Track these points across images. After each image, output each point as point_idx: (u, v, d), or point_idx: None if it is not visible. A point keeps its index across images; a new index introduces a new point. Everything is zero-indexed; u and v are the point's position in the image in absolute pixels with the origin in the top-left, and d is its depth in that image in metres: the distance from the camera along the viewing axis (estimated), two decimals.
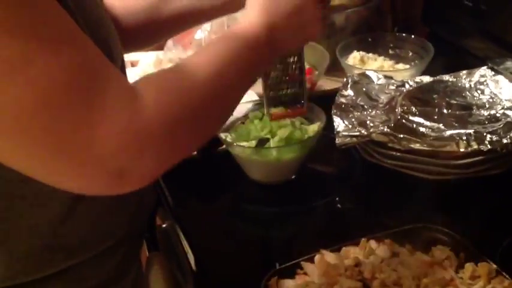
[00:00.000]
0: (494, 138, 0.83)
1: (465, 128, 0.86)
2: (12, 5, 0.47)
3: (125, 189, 0.55)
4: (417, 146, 0.84)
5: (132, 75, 1.21)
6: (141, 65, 1.25)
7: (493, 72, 1.01)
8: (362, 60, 1.17)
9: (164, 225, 0.95)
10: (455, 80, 1.01)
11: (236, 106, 0.68)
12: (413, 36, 1.20)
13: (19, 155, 0.51)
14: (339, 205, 0.88)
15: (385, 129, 0.87)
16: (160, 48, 1.29)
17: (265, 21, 0.68)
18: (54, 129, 0.49)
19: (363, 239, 0.74)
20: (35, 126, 0.49)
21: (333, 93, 1.00)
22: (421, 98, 0.94)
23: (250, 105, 0.97)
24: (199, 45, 1.22)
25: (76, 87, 0.50)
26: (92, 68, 0.52)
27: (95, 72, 0.52)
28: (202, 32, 1.24)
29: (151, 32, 0.88)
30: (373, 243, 0.74)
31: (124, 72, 0.74)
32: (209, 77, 0.60)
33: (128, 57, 1.27)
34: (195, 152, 0.93)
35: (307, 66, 1.14)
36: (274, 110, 0.80)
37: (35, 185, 0.59)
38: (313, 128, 0.92)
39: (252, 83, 0.71)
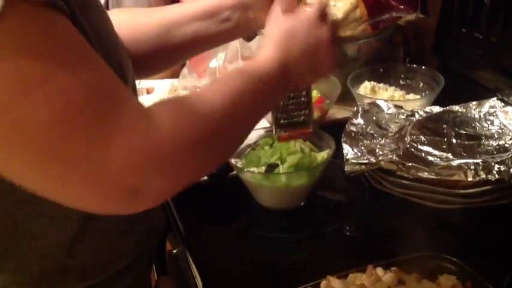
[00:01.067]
0: (503, 168, 0.83)
1: (473, 157, 0.87)
2: (32, 28, 0.49)
3: (137, 208, 0.56)
4: (425, 174, 0.85)
5: (147, 102, 1.23)
6: (156, 92, 1.28)
7: (502, 104, 1.02)
8: (373, 90, 1.19)
9: (174, 251, 0.96)
10: (464, 110, 1.01)
11: (247, 135, 0.70)
12: (424, 67, 1.21)
13: (34, 173, 0.52)
14: (347, 232, 0.88)
15: (394, 158, 0.88)
16: (176, 75, 1.32)
17: (280, 58, 0.70)
18: (69, 147, 0.51)
19: (370, 266, 0.75)
20: (50, 144, 0.50)
21: (344, 122, 1.01)
22: (430, 128, 0.95)
23: (261, 132, 0.99)
24: (214, 73, 1.25)
25: (91, 107, 0.51)
26: (106, 88, 0.54)
27: (109, 93, 0.53)
28: (217, 61, 1.27)
29: (160, 59, 0.90)
30: (379, 271, 0.75)
31: (136, 97, 0.76)
32: (223, 106, 0.62)
33: (143, 84, 1.30)
34: (206, 177, 0.95)
35: (318, 95, 1.16)
36: (282, 132, 0.82)
37: (49, 206, 0.61)
38: (323, 155, 0.93)
39: (264, 114, 0.74)
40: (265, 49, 0.72)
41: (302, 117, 0.84)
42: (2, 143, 0.50)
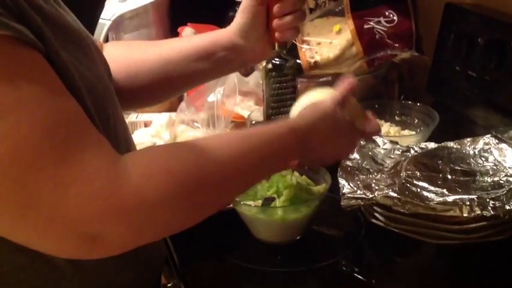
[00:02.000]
0: (497, 204, 0.84)
1: (468, 193, 0.87)
2: None
3: (97, 254, 0.54)
4: (421, 210, 0.85)
5: (145, 135, 1.24)
6: (154, 125, 1.29)
7: (496, 141, 1.03)
8: None
9: (169, 285, 0.95)
10: (459, 147, 1.03)
11: (238, 193, 0.69)
12: (419, 104, 1.23)
13: None
14: (343, 267, 0.88)
15: (390, 193, 0.88)
16: (173, 109, 1.33)
17: (303, 128, 0.69)
18: (22, 186, 0.49)
19: None
20: (4, 181, 0.49)
21: None
22: (425, 163, 0.95)
23: None
24: (212, 107, 1.26)
25: (47, 147, 0.50)
26: (67, 130, 0.51)
27: (70, 135, 0.51)
28: (215, 95, 1.28)
29: (156, 92, 0.90)
30: None
31: (127, 137, 0.74)
32: (211, 161, 0.58)
33: (141, 117, 1.31)
34: None
35: None
36: None
37: None
38: (319, 189, 0.94)
39: (261, 178, 0.75)
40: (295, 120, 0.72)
41: None
42: None
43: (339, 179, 0.94)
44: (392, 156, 1.03)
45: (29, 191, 0.49)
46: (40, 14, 0.55)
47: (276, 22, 0.85)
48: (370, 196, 0.89)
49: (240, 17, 0.87)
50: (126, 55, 0.89)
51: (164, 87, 0.89)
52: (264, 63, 0.91)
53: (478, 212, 0.83)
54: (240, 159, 0.61)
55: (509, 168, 0.95)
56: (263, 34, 0.86)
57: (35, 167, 0.49)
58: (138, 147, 0.80)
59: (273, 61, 0.91)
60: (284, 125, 0.69)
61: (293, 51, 1.25)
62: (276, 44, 0.89)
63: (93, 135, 0.54)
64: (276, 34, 0.87)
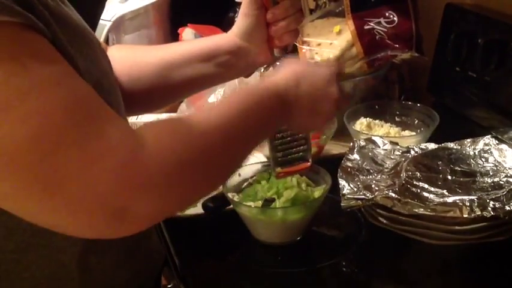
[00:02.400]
0: (498, 205, 0.84)
1: (469, 194, 0.87)
2: (10, 47, 0.49)
3: (124, 231, 0.54)
4: (421, 210, 0.85)
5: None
6: None
7: (497, 141, 1.03)
8: (369, 126, 1.20)
9: (169, 286, 0.95)
10: (459, 147, 1.03)
11: (239, 163, 0.69)
12: (419, 104, 1.23)
13: (16, 195, 0.51)
14: (343, 268, 0.88)
15: (390, 193, 0.88)
16: (174, 110, 1.33)
17: (285, 89, 0.70)
18: (50, 167, 0.49)
19: None
20: (30, 164, 0.49)
21: (340, 157, 1.02)
22: (425, 164, 0.95)
23: (258, 167, 0.99)
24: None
25: (71, 126, 0.50)
26: (88, 108, 0.53)
27: (91, 113, 0.53)
28: (216, 96, 1.28)
29: (158, 96, 0.90)
30: None
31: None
32: (215, 127, 0.61)
33: (141, 118, 1.30)
34: (202, 211, 0.95)
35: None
36: (280, 169, 0.83)
37: (41, 237, 0.60)
38: (319, 190, 0.94)
39: (259, 141, 0.73)
40: (275, 76, 0.73)
41: (300, 153, 0.85)
42: None
43: (339, 179, 0.94)
44: (392, 157, 1.03)
45: (57, 170, 0.49)
46: (47, 9, 0.55)
47: (271, 28, 0.85)
48: (370, 197, 0.89)
49: (242, 20, 0.87)
50: (128, 58, 0.89)
51: (166, 91, 0.89)
52: (262, 69, 0.90)
53: (478, 212, 0.83)
54: (232, 126, 0.63)
55: (509, 168, 0.95)
56: (266, 37, 0.86)
57: (60, 145, 0.50)
58: None
59: (272, 67, 0.91)
60: (273, 94, 0.70)
61: (294, 53, 1.25)
62: (275, 50, 0.89)
63: (109, 110, 0.55)
64: (275, 39, 0.87)
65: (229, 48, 0.87)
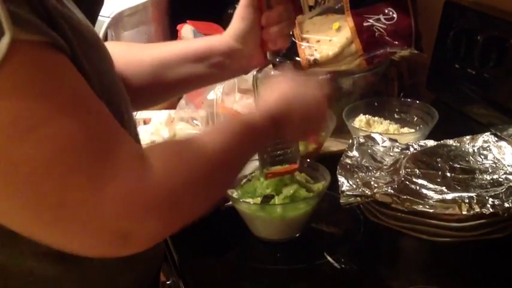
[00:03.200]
0: (496, 202, 0.84)
1: (468, 191, 0.87)
2: (33, 69, 0.49)
3: (128, 251, 0.55)
4: (420, 207, 0.85)
5: (144, 132, 1.24)
6: (153, 122, 1.29)
7: (496, 138, 1.03)
8: (368, 123, 1.20)
9: (168, 282, 0.95)
10: (458, 144, 1.03)
11: (235, 178, 0.75)
12: (418, 101, 1.23)
13: (24, 215, 0.51)
14: (343, 265, 0.88)
15: (389, 190, 0.88)
16: (173, 106, 1.33)
17: (275, 114, 0.73)
18: (63, 190, 0.50)
19: None
20: (44, 186, 0.50)
21: (339, 154, 1.02)
22: (424, 161, 0.95)
23: (256, 163, 0.99)
24: (211, 105, 1.26)
25: (87, 149, 0.51)
26: (104, 132, 0.53)
27: (106, 136, 0.53)
28: (215, 93, 1.28)
29: (153, 94, 0.91)
30: None
31: (136, 134, 0.77)
32: (215, 151, 0.63)
33: (140, 115, 1.31)
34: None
35: None
36: (267, 170, 0.84)
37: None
38: (318, 187, 0.94)
39: (251, 157, 0.78)
40: (268, 102, 0.75)
41: (289, 154, 0.85)
42: None
43: (338, 176, 0.94)
44: (391, 154, 1.03)
45: (68, 193, 0.50)
46: (63, 19, 0.55)
47: (265, 32, 0.86)
48: (369, 194, 0.89)
49: (237, 22, 0.87)
50: (123, 55, 0.88)
51: (160, 89, 0.90)
52: (255, 72, 0.91)
53: (477, 209, 0.83)
54: (231, 151, 0.67)
55: (508, 166, 0.95)
56: (260, 40, 0.87)
57: (73, 170, 0.50)
58: None
59: (265, 70, 0.91)
60: (268, 122, 0.73)
61: (292, 50, 1.25)
62: (268, 53, 0.89)
63: (122, 133, 0.56)
64: (268, 43, 0.88)
65: (222, 50, 0.88)
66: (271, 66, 0.91)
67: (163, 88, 0.90)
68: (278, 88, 0.77)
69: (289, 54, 1.17)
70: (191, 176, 0.59)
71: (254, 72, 0.91)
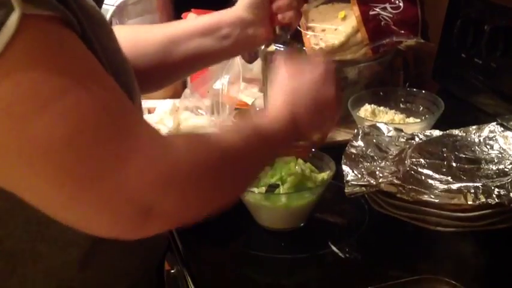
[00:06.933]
0: (502, 192, 0.83)
1: (473, 181, 0.87)
2: (47, 42, 0.49)
3: (148, 231, 0.55)
4: (425, 197, 0.85)
5: (149, 121, 1.24)
6: (157, 112, 1.28)
7: (502, 128, 1.02)
8: (373, 113, 1.20)
9: (173, 271, 0.95)
10: (464, 134, 1.02)
11: (256, 176, 0.72)
12: (424, 91, 1.22)
13: (46, 190, 0.51)
14: (347, 254, 0.88)
15: (394, 180, 0.88)
16: (177, 95, 1.32)
17: (288, 117, 0.72)
18: (84, 164, 0.50)
19: None
20: (64, 160, 0.49)
21: (344, 144, 1.02)
22: (430, 151, 0.95)
23: None
24: (217, 94, 1.25)
25: (107, 123, 0.51)
26: (120, 107, 0.54)
27: (123, 111, 0.54)
28: (220, 82, 1.27)
29: (159, 75, 0.90)
30: None
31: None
32: (235, 145, 0.63)
33: (145, 104, 1.30)
34: None
35: None
36: None
37: (56, 227, 0.60)
38: (323, 176, 0.94)
39: (274, 158, 0.79)
40: (273, 109, 0.73)
41: None
42: (16, 159, 0.49)
43: (343, 166, 0.93)
44: (396, 143, 1.02)
45: (90, 167, 0.50)
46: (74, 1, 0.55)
47: (275, 4, 0.85)
48: (374, 183, 0.88)
49: None
50: (131, 37, 0.88)
51: (168, 68, 0.89)
52: (262, 47, 0.90)
53: (483, 199, 0.82)
54: (253, 151, 0.67)
55: None
56: (269, 13, 0.86)
57: (94, 143, 0.50)
58: None
59: (275, 46, 0.90)
60: (288, 122, 0.72)
61: (297, 39, 1.24)
62: (277, 27, 0.89)
63: (137, 113, 0.58)
64: (278, 16, 0.87)
65: (231, 21, 0.87)
66: (280, 48, 0.90)
67: (172, 66, 0.89)
68: (283, 88, 0.76)
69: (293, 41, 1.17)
70: (211, 159, 0.59)
71: (262, 47, 0.90)
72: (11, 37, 0.47)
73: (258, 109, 1.12)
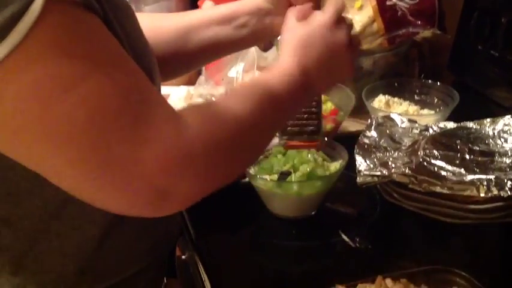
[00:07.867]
0: None
1: (486, 174, 0.87)
2: (70, 27, 0.50)
3: (166, 210, 0.57)
4: (437, 189, 0.85)
5: (166, 102, 1.24)
6: (171, 98, 1.29)
7: None
8: (387, 104, 1.19)
9: (184, 256, 0.96)
10: (479, 127, 1.02)
11: (269, 142, 0.71)
12: (439, 83, 1.22)
13: (68, 171, 0.53)
14: (357, 244, 0.88)
15: (407, 171, 0.88)
16: (192, 83, 1.33)
17: (299, 65, 0.71)
18: (104, 146, 0.51)
19: (379, 277, 0.75)
20: (85, 143, 0.51)
21: (357, 134, 1.02)
22: (444, 143, 0.95)
23: (274, 140, 0.99)
24: (231, 82, 1.26)
25: (126, 108, 0.52)
26: (140, 91, 0.55)
27: (143, 95, 0.54)
28: (235, 70, 1.28)
29: (175, 64, 0.90)
30: (388, 282, 0.75)
31: None
32: (248, 112, 0.63)
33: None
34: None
35: (332, 107, 1.17)
36: (286, 140, 0.82)
37: (73, 207, 0.61)
38: (335, 166, 0.94)
39: (287, 120, 0.76)
40: (283, 58, 0.73)
41: (311, 128, 0.84)
42: (41, 140, 0.51)
43: (356, 156, 0.94)
44: (410, 134, 1.02)
45: (110, 149, 0.51)
46: None
47: None
48: (387, 174, 0.88)
49: None
50: (148, 25, 0.88)
51: (184, 57, 0.89)
52: (279, 38, 0.90)
53: (495, 192, 0.82)
54: (266, 116, 0.67)
55: None
56: (288, 4, 0.85)
57: (114, 126, 0.51)
58: None
59: None
60: (298, 75, 0.70)
61: None
62: None
63: (158, 95, 0.57)
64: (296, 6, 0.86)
65: (249, 10, 0.86)
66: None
67: (188, 55, 0.89)
68: (293, 36, 0.74)
69: None
70: (225, 135, 0.59)
71: (278, 39, 0.90)
72: (34, 21, 0.48)
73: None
